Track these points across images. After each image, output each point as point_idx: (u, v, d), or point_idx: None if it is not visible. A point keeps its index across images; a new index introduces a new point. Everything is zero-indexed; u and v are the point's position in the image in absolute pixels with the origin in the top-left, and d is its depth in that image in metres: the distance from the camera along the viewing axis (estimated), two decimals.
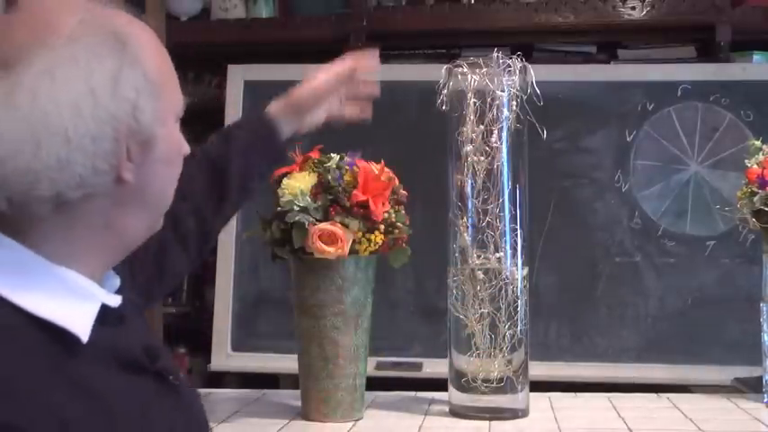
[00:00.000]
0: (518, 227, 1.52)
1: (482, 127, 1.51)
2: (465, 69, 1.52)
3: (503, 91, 1.51)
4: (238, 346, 2.07)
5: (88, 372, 0.75)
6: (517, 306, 1.51)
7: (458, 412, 1.52)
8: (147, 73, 0.78)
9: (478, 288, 1.51)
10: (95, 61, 0.74)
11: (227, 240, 2.11)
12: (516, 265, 1.52)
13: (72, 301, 0.76)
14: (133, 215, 0.82)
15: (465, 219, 1.53)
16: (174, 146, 0.84)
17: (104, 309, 0.80)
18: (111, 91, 0.75)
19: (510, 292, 1.51)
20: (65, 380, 0.72)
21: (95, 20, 0.77)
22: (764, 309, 1.62)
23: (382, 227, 1.48)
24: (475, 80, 1.51)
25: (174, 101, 0.84)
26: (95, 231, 0.79)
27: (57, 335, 0.74)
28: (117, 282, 0.86)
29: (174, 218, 1.12)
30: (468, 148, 1.51)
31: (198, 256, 1.25)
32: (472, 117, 1.51)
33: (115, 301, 0.82)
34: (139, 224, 0.84)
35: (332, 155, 1.52)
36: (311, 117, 1.34)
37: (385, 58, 2.33)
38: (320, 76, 1.33)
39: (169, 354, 0.95)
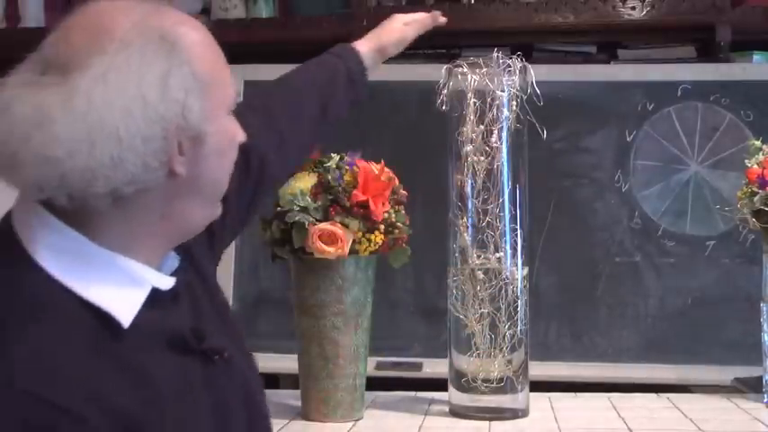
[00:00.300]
0: (518, 227, 1.52)
1: (482, 127, 1.51)
2: (465, 69, 1.52)
3: (503, 91, 1.51)
4: None
5: (134, 353, 0.79)
6: (517, 306, 1.51)
7: (458, 412, 1.52)
8: (196, 72, 0.81)
9: (478, 288, 1.51)
10: (146, 65, 0.78)
11: None
12: (516, 265, 1.52)
13: (121, 286, 0.81)
14: (188, 205, 0.86)
15: (465, 219, 1.53)
16: (225, 138, 0.87)
17: (157, 291, 0.84)
18: (160, 93, 0.78)
19: (510, 292, 1.51)
20: (111, 362, 0.77)
21: (146, 23, 0.81)
22: (764, 309, 1.62)
23: (382, 227, 1.48)
24: (475, 80, 1.51)
25: (225, 95, 0.87)
26: (152, 222, 0.84)
27: (106, 318, 0.78)
28: (175, 263, 0.90)
29: (280, 135, 1.22)
30: (468, 148, 1.51)
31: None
32: (472, 117, 1.51)
33: (167, 283, 0.86)
34: (196, 212, 0.87)
35: (332, 155, 1.52)
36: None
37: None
38: (408, 27, 1.45)
39: (229, 329, 0.97)
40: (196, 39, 0.83)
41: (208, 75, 0.83)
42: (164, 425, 0.79)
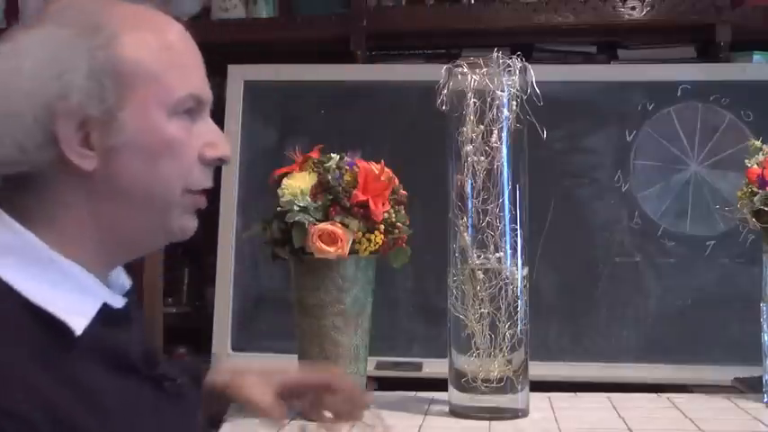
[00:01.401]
0: (518, 227, 1.52)
1: (482, 127, 1.51)
2: (465, 69, 1.52)
3: (503, 91, 1.51)
4: (238, 346, 2.07)
5: (80, 366, 0.76)
6: (517, 306, 1.51)
7: (458, 412, 1.52)
8: (119, 61, 0.78)
9: (478, 288, 1.51)
10: (50, 42, 0.76)
11: (227, 240, 2.10)
12: (516, 265, 1.52)
13: (72, 294, 0.78)
14: (118, 210, 0.82)
15: (465, 219, 1.53)
16: (156, 137, 0.81)
17: (109, 309, 0.81)
18: (48, 72, 0.75)
19: (510, 292, 1.51)
20: (59, 371, 0.74)
21: (87, 8, 0.79)
22: (764, 309, 1.62)
23: (382, 227, 1.48)
24: (475, 80, 1.51)
25: (161, 92, 0.81)
26: (82, 221, 0.80)
27: (53, 326, 0.75)
28: (127, 284, 0.87)
29: None
30: (468, 148, 1.51)
31: None
32: (472, 117, 1.51)
33: (119, 302, 0.83)
34: (132, 222, 0.83)
35: (332, 155, 1.52)
36: None
37: (385, 59, 2.35)
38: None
39: (164, 358, 0.94)
40: (136, 33, 0.80)
41: (138, 68, 0.79)
42: None
